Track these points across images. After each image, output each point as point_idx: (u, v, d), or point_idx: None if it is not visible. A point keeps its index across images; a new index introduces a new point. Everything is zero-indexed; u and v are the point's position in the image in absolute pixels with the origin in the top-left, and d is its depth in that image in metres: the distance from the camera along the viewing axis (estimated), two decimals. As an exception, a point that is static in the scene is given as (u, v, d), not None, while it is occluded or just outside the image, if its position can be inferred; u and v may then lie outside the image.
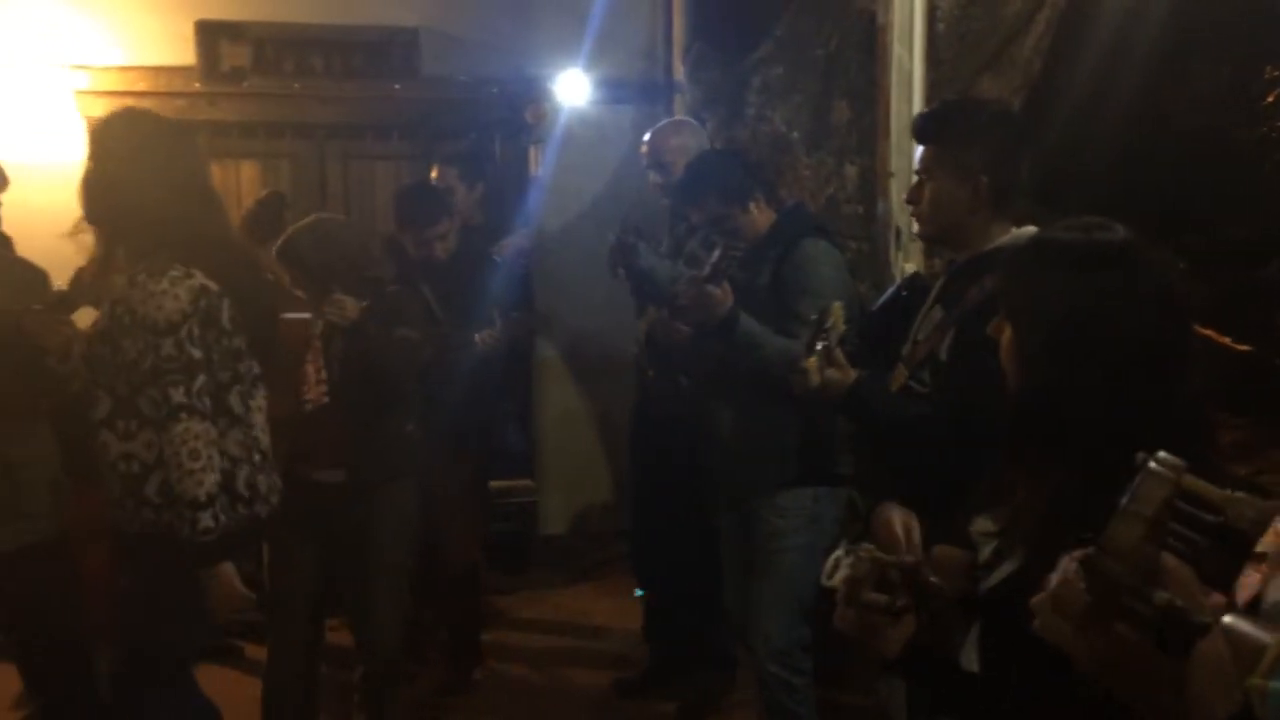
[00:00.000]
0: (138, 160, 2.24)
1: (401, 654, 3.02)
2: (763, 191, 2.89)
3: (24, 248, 3.33)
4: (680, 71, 5.02)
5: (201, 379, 2.19)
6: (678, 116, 3.76)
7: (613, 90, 5.06)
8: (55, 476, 2.77)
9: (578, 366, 5.17)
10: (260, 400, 2.36)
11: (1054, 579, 1.09)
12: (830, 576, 1.41)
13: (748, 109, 4.48)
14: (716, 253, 2.56)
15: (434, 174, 4.03)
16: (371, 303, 2.82)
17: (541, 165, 5.12)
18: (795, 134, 4.11)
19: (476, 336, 3.51)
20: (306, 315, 2.74)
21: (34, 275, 2.82)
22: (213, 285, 2.24)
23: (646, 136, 3.62)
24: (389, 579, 2.88)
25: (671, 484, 3.47)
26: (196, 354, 2.19)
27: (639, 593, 3.96)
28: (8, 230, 3.46)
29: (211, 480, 2.18)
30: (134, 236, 2.25)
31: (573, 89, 4.97)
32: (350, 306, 2.73)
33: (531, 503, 5.04)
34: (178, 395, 2.16)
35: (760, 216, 2.83)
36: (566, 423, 5.21)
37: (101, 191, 2.25)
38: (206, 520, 2.17)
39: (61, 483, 2.74)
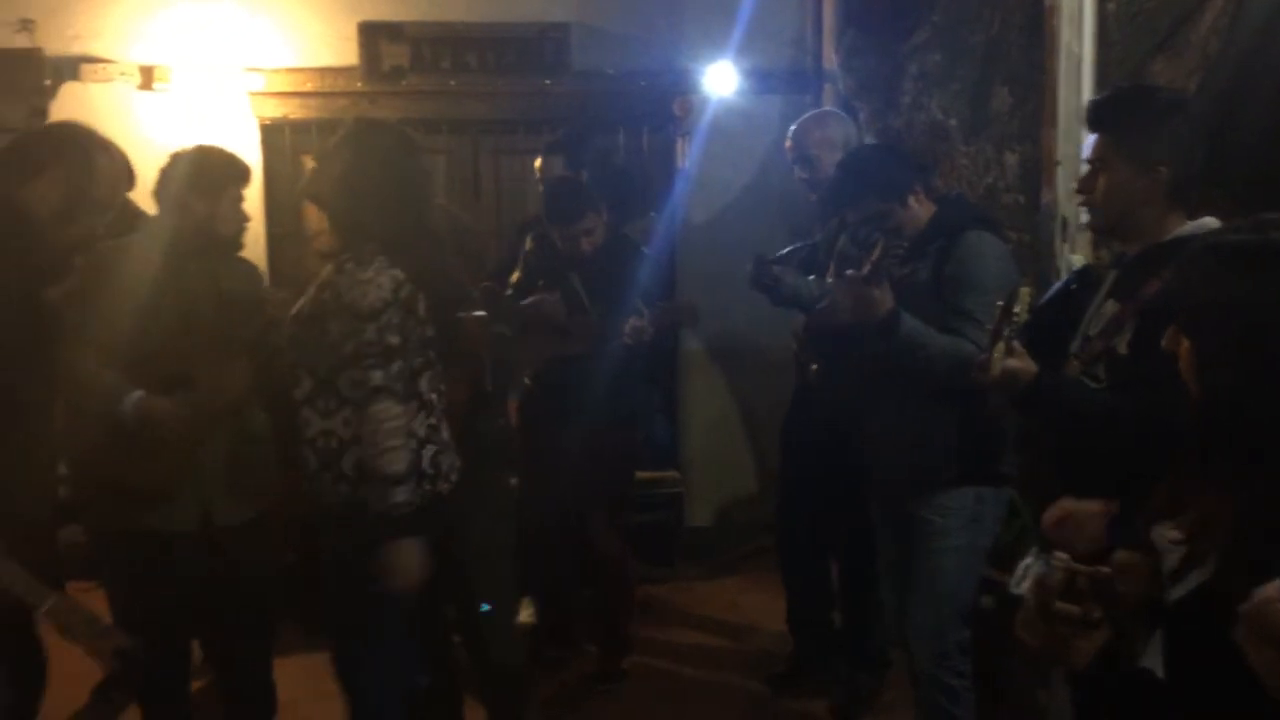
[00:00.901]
0: (368, 161, 2.44)
1: (520, 665, 3.04)
2: (921, 183, 2.81)
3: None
4: (831, 60, 4.94)
5: (398, 364, 2.32)
6: (823, 108, 3.71)
7: (761, 80, 5.02)
8: (271, 457, 2.94)
9: (724, 359, 5.16)
10: (443, 387, 2.47)
11: (1257, 596, 1.05)
12: (1018, 584, 1.37)
13: (903, 97, 4.38)
14: (877, 252, 2.50)
15: (538, 164, 4.08)
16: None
17: (688, 157, 5.13)
18: (953, 122, 4.01)
19: (626, 326, 3.53)
20: (484, 313, 2.81)
21: (250, 266, 3.02)
22: (408, 277, 2.37)
23: (791, 131, 3.59)
24: (490, 580, 2.93)
25: (822, 478, 3.44)
26: (394, 340, 2.31)
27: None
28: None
29: (405, 458, 2.30)
30: (349, 228, 2.44)
31: (721, 80, 4.95)
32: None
33: (678, 494, 5.06)
34: (377, 378, 2.29)
35: (920, 209, 2.76)
36: (712, 414, 5.21)
37: (333, 184, 2.46)
38: (400, 495, 2.30)
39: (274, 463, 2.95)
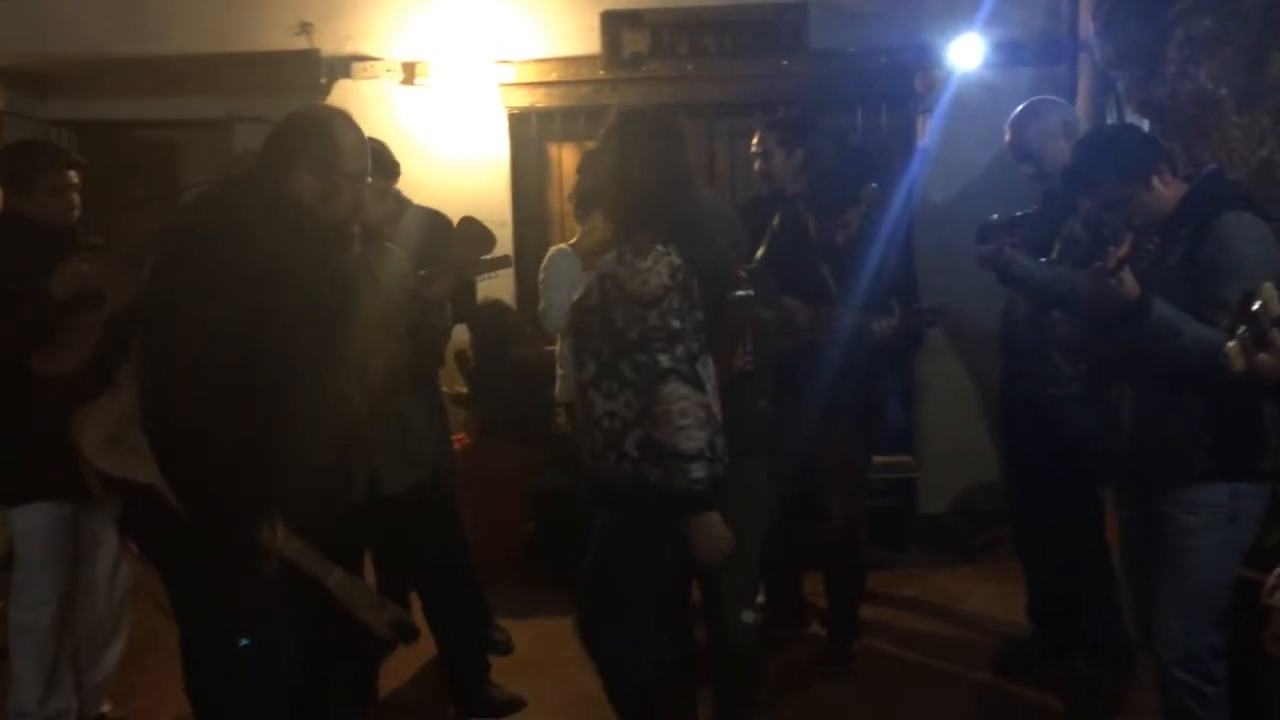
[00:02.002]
0: (637, 150, 2.54)
1: (755, 654, 3.04)
2: (1166, 162, 2.58)
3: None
4: (1087, 27, 4.67)
5: (681, 347, 2.41)
6: (1036, 98, 3.51)
7: (1010, 52, 4.81)
8: (435, 429, 3.24)
9: (963, 342, 5.00)
10: (713, 369, 2.54)
11: None
12: (1271, 594, 1.28)
13: (1167, 66, 4.08)
14: (1125, 249, 2.34)
15: (755, 141, 4.05)
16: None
17: (928, 134, 4.99)
18: (1223, 91, 3.71)
19: (875, 327, 3.53)
20: (750, 294, 2.84)
21: (399, 253, 3.19)
22: (683, 262, 2.45)
23: (1008, 127, 3.43)
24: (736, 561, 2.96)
25: (1054, 467, 3.30)
26: (676, 324, 2.41)
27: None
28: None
29: (700, 436, 2.40)
30: (625, 215, 2.54)
31: (967, 53, 4.78)
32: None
33: (911, 479, 4.97)
34: (665, 360, 2.40)
35: (1167, 191, 2.55)
36: (950, 399, 5.08)
37: (606, 176, 2.58)
38: (698, 471, 2.41)
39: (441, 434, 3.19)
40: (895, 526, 4.87)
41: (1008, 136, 3.43)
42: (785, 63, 4.97)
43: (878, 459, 4.47)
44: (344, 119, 2.28)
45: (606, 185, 2.58)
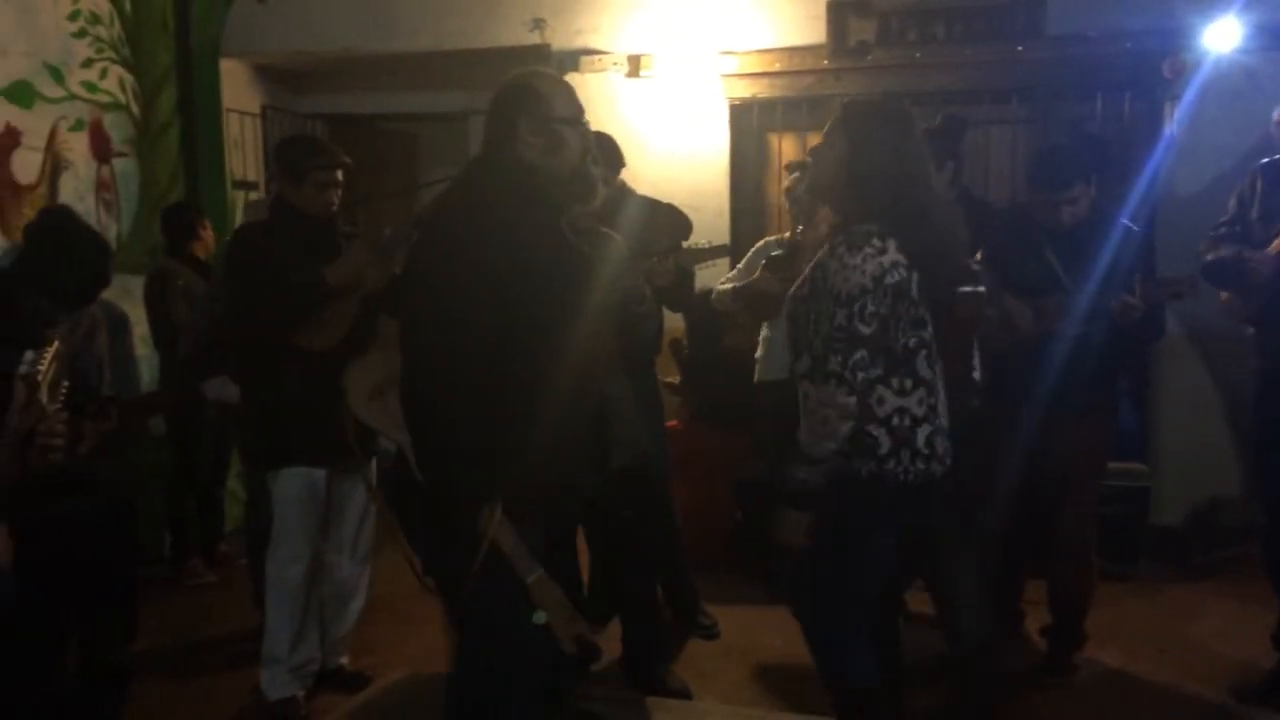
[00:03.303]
0: (867, 140, 2.48)
1: (991, 639, 2.96)
2: None
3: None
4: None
5: (861, 352, 2.35)
6: None
7: (1273, 36, 4.46)
8: (635, 412, 3.21)
9: (1207, 344, 4.69)
10: (937, 365, 2.48)
11: None
12: None
13: None
14: None
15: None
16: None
17: (1175, 123, 4.69)
18: None
19: (1114, 304, 3.28)
20: (980, 289, 2.76)
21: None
22: (903, 259, 2.38)
23: (1275, 119, 3.18)
24: (966, 556, 2.88)
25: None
26: (864, 330, 2.35)
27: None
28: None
29: (828, 446, 2.36)
30: (850, 207, 2.49)
31: (1222, 37, 4.47)
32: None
33: (1144, 488, 4.69)
34: (834, 363, 2.36)
35: None
36: (1190, 403, 4.78)
37: (834, 168, 2.53)
38: (803, 473, 2.37)
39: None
40: (1124, 537, 4.60)
41: (1278, 125, 3.21)
42: (1020, 49, 4.78)
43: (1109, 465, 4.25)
44: (542, 73, 2.32)
45: (834, 177, 2.53)
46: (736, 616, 4.16)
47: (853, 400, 2.35)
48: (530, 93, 2.23)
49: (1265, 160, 3.44)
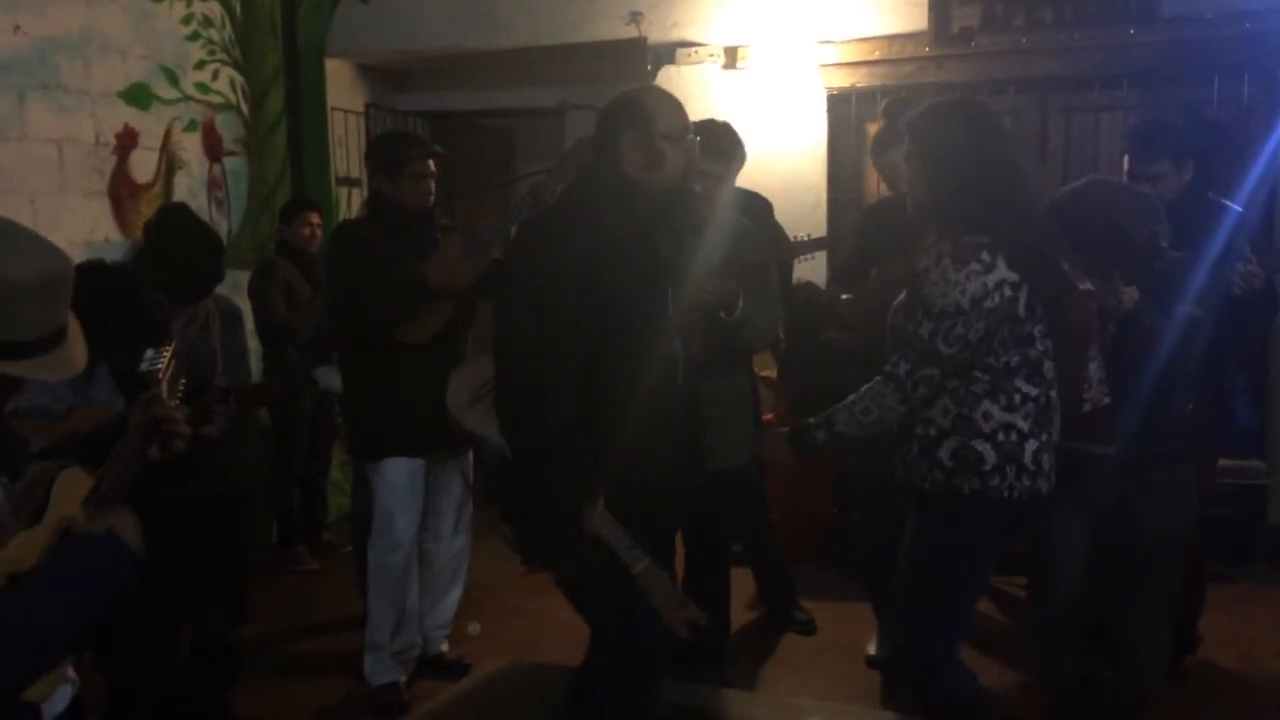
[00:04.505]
0: (944, 154, 2.38)
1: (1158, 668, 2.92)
2: None
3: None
4: None
5: (932, 371, 2.28)
6: None
7: (1403, 11, 4.24)
8: (747, 415, 3.24)
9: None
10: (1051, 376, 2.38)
11: None
12: None
13: None
14: None
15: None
16: (1147, 283, 2.66)
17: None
18: None
19: (1236, 274, 3.06)
20: (1088, 287, 2.61)
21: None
22: (1012, 276, 2.27)
23: None
24: (1156, 568, 2.80)
25: None
26: (944, 350, 2.27)
27: None
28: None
29: (849, 430, 2.36)
30: (943, 213, 2.39)
31: (1348, 14, 4.26)
32: (1127, 297, 2.62)
33: (1261, 486, 4.51)
34: (900, 368, 2.31)
35: None
36: (1312, 400, 4.56)
37: (921, 187, 2.43)
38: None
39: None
40: (1240, 538, 4.43)
41: None
42: (1132, 32, 4.61)
43: (1221, 463, 4.08)
44: (651, 89, 2.39)
45: (919, 196, 2.42)
46: (833, 612, 4.13)
47: (903, 409, 2.32)
48: (636, 107, 2.26)
49: None
